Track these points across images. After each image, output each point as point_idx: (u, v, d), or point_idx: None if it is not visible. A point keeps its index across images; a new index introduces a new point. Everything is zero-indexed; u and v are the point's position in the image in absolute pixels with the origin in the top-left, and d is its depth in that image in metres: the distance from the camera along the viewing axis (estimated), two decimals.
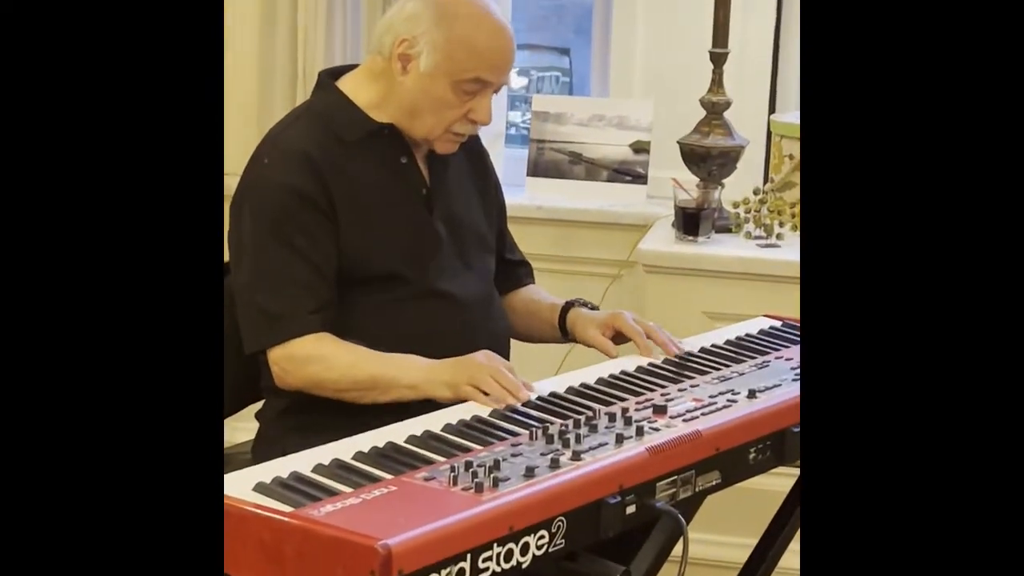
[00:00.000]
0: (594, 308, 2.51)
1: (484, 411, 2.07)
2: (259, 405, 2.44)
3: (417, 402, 2.16)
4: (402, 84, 2.30)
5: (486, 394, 2.11)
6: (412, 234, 2.36)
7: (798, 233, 3.11)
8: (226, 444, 2.32)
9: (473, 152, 2.52)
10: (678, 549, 1.97)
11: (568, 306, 2.49)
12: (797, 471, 2.40)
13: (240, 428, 2.53)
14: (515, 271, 2.60)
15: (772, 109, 3.44)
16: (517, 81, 4.92)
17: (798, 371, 2.24)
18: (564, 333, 2.48)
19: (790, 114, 3.38)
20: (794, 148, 3.21)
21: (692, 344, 2.42)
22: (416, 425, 2.01)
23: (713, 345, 2.41)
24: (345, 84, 2.38)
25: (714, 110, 3.16)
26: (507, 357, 2.33)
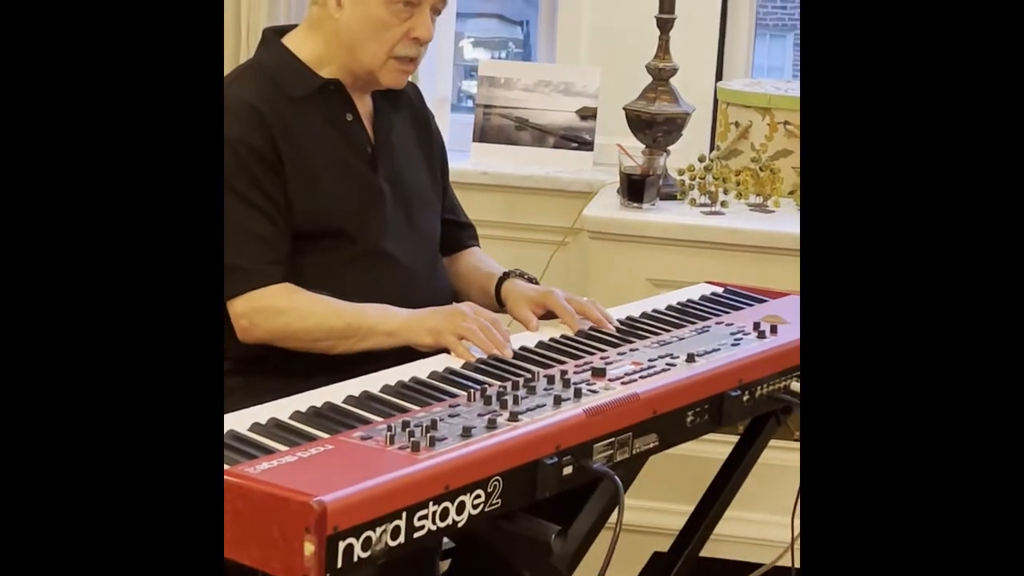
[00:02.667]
0: (532, 280, 2.51)
1: (423, 372, 2.09)
2: None
3: (359, 364, 2.17)
4: (339, 21, 2.32)
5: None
6: (356, 191, 2.37)
7: (742, 201, 3.14)
8: None
9: (417, 112, 2.54)
10: (614, 517, 2.00)
11: (505, 276, 2.50)
12: (735, 438, 2.44)
13: None
14: (459, 233, 2.61)
15: (719, 76, 3.47)
16: (472, 53, 4.94)
17: (738, 336, 2.28)
18: (500, 303, 2.50)
19: (737, 81, 3.41)
20: (740, 116, 3.24)
21: (634, 310, 2.44)
22: (354, 386, 2.02)
23: (654, 310, 2.43)
24: (290, 41, 2.39)
25: (660, 76, 3.17)
26: None
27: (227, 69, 2.50)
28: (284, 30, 2.44)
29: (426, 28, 2.32)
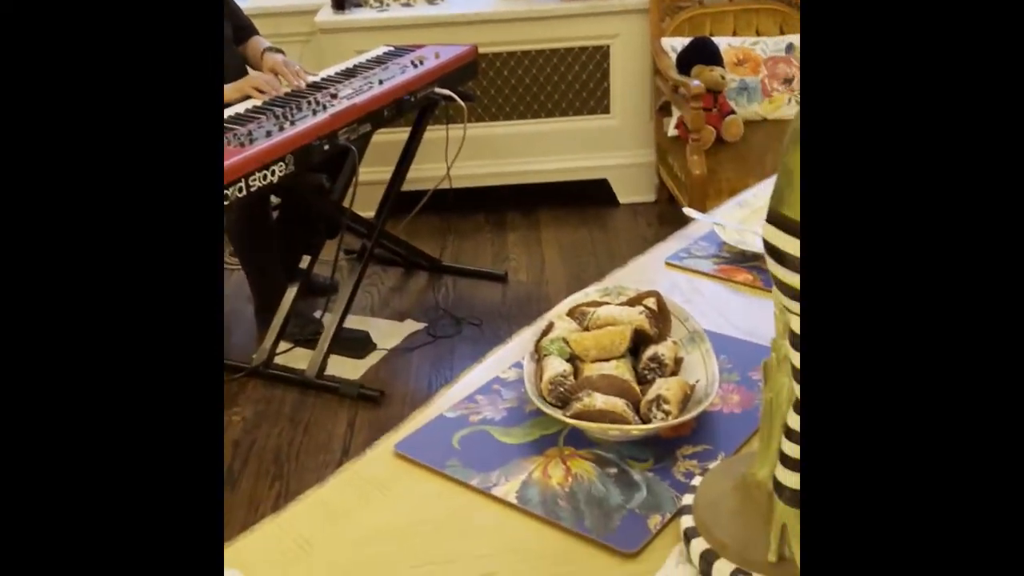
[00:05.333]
0: (280, 50, 2.29)
1: (239, 110, 2.02)
2: None
3: None
4: None
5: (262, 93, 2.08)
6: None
7: (398, 3, 3.04)
8: None
9: None
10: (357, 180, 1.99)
11: (267, 49, 2.28)
12: (411, 126, 2.44)
13: None
14: (244, 30, 2.35)
15: None
16: None
17: (404, 67, 2.25)
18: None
19: None
20: None
21: (349, 64, 2.37)
22: None
23: (355, 65, 2.38)
24: None
25: None
26: None
27: None
28: None
29: None
